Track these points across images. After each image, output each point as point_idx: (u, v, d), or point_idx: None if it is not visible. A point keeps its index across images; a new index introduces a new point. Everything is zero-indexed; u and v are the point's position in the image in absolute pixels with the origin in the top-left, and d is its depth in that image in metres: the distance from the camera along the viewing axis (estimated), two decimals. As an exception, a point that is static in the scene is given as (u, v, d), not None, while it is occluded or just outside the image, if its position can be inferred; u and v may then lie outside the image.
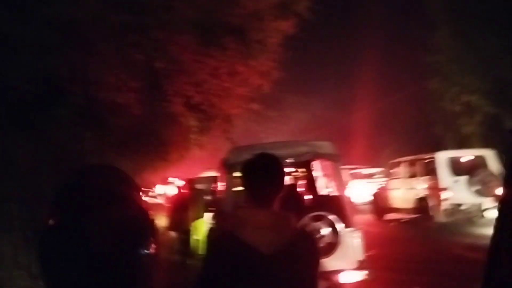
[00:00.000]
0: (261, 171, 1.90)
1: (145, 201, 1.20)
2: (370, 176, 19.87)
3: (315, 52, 24.14)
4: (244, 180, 1.92)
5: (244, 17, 7.40)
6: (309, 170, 6.66)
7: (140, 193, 1.10)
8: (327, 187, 5.96)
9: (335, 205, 5.34)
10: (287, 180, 2.37)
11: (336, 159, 5.58)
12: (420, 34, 18.58)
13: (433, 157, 13.23)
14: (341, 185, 5.56)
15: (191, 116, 8.51)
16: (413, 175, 14.17)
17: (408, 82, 21.35)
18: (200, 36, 7.12)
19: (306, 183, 6.67)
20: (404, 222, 14.16)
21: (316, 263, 1.94)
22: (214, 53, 7.57)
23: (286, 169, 2.11)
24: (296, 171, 7.12)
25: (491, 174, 12.09)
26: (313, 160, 5.92)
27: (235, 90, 8.62)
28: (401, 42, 21.84)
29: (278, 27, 8.14)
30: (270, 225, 1.81)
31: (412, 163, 14.50)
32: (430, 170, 13.22)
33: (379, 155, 25.78)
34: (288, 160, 5.51)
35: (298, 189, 5.99)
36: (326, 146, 5.63)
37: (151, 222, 1.06)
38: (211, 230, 6.84)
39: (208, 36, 7.25)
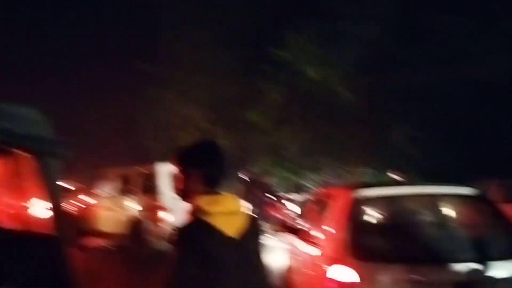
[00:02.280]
0: (218, 156, 1.96)
1: None
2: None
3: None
4: (197, 167, 1.92)
5: None
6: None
7: None
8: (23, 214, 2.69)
9: (41, 258, 2.22)
10: None
11: (50, 152, 2.43)
12: (143, 40, 16.78)
13: (151, 171, 11.08)
14: (58, 211, 2.42)
15: None
16: (125, 192, 11.66)
17: (126, 89, 18.90)
18: None
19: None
20: (112, 250, 11.33)
21: (260, 241, 2.03)
22: None
23: None
24: None
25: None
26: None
27: None
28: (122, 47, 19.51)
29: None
30: (234, 209, 1.92)
31: (124, 177, 11.99)
32: (147, 186, 11.01)
33: (77, 167, 22.09)
34: None
35: None
36: (32, 120, 2.40)
37: None
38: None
39: None
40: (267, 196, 12.32)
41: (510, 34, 11.25)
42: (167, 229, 10.00)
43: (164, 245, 10.08)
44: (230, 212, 1.88)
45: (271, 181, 13.55)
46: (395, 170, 9.69)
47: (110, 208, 11.79)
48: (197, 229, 1.84)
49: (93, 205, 12.48)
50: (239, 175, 13.10)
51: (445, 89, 13.25)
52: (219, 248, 1.82)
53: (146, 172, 11.25)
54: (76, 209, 13.19)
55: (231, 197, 1.93)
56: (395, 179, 9.43)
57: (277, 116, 15.15)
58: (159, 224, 10.29)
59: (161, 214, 10.33)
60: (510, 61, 11.43)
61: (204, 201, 1.88)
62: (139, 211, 10.90)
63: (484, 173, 11.33)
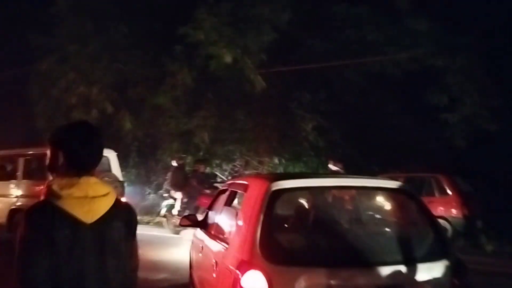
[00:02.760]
0: (87, 139, 1.89)
1: None
2: None
3: None
4: (62, 148, 1.87)
5: None
6: None
7: None
8: None
9: None
10: None
11: None
12: (38, 9, 14.90)
13: (41, 154, 9.73)
14: None
15: None
16: (7, 177, 10.15)
17: (18, 63, 16.63)
18: None
19: None
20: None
21: (135, 232, 1.96)
22: None
23: None
24: None
25: (116, 179, 9.87)
26: None
27: None
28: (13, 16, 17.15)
29: None
30: (94, 194, 1.81)
31: (7, 160, 10.53)
32: (35, 171, 9.69)
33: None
34: None
35: None
36: None
37: None
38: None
39: None
40: (205, 186, 11.24)
41: (410, 27, 11.65)
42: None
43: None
44: (87, 196, 1.80)
45: (207, 170, 12.61)
46: (332, 160, 9.39)
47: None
48: (43, 211, 1.77)
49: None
50: (173, 164, 12.14)
51: (349, 80, 13.40)
52: (65, 233, 1.75)
53: (35, 155, 9.88)
54: None
55: (93, 181, 1.85)
56: (332, 170, 9.05)
57: (187, 101, 14.30)
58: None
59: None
60: (411, 53, 11.81)
61: (58, 184, 1.82)
62: (23, 199, 9.51)
63: (386, 166, 11.57)
